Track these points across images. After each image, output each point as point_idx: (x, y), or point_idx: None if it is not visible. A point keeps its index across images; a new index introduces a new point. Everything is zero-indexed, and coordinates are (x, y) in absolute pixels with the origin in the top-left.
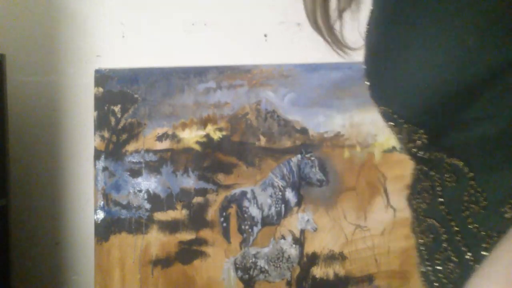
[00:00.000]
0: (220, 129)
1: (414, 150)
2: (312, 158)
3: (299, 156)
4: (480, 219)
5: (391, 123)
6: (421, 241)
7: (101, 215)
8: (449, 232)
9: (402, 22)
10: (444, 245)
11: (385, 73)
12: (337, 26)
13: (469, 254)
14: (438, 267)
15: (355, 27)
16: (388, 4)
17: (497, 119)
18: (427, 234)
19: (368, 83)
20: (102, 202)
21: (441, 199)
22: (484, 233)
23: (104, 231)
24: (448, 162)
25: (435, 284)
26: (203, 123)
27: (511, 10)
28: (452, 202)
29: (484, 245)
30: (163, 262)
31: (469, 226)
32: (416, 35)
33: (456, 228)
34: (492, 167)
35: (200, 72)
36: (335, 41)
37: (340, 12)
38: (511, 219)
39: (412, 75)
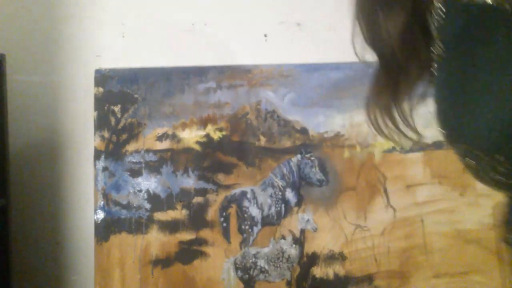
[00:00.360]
0: (220, 129)
1: (501, 178)
2: (312, 158)
3: (299, 156)
4: None
5: (472, 160)
6: None
7: (101, 215)
8: None
9: (472, 76)
10: None
11: (462, 120)
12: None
13: None
14: None
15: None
16: (457, 66)
17: None
18: None
19: (444, 132)
20: (102, 202)
21: None
22: None
23: (104, 231)
24: None
25: None
26: (203, 123)
27: None
28: None
29: None
30: (163, 262)
31: None
32: (485, 85)
33: None
34: None
35: (200, 72)
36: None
37: (406, 118)
38: None
39: (486, 109)
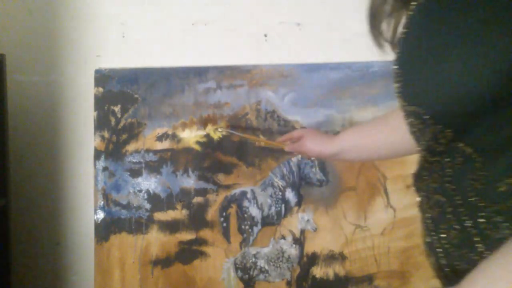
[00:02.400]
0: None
1: (436, 146)
2: (312, 158)
3: (299, 156)
4: (480, 193)
5: (418, 122)
6: (428, 215)
7: (101, 215)
8: (454, 205)
9: (444, 31)
10: (449, 216)
11: (423, 76)
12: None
13: (469, 222)
14: (443, 235)
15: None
16: (433, 13)
17: None
18: (434, 208)
19: (399, 84)
20: (102, 202)
21: (449, 178)
22: (482, 204)
23: (104, 231)
24: (463, 148)
25: (438, 250)
26: (203, 123)
27: None
28: (459, 180)
29: (481, 214)
30: (163, 262)
31: (470, 199)
32: (464, 46)
33: (460, 202)
34: (494, 152)
35: (200, 72)
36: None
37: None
38: (504, 191)
39: (453, 81)
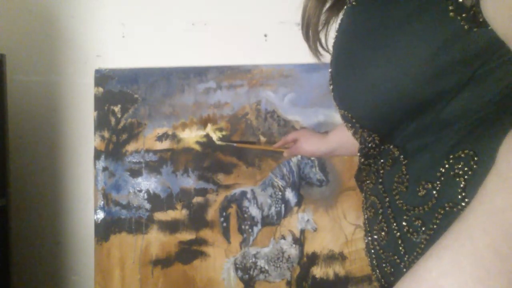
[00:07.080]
0: (220, 129)
1: (366, 150)
2: (312, 158)
3: (299, 156)
4: (403, 196)
5: (349, 126)
6: (366, 216)
7: (101, 215)
8: (384, 207)
9: (369, 38)
10: (380, 217)
11: (348, 81)
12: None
13: (394, 224)
14: (375, 236)
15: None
16: (358, 18)
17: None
18: (370, 209)
19: (331, 87)
20: (102, 202)
21: (381, 180)
22: (405, 207)
23: (104, 231)
24: (392, 150)
25: (372, 251)
26: (203, 123)
27: (450, 45)
28: (388, 182)
29: (404, 217)
30: (163, 262)
31: (397, 202)
32: (381, 52)
33: (388, 203)
34: (417, 156)
35: (200, 72)
36: (316, 49)
37: (326, 23)
38: (422, 196)
39: (374, 87)
